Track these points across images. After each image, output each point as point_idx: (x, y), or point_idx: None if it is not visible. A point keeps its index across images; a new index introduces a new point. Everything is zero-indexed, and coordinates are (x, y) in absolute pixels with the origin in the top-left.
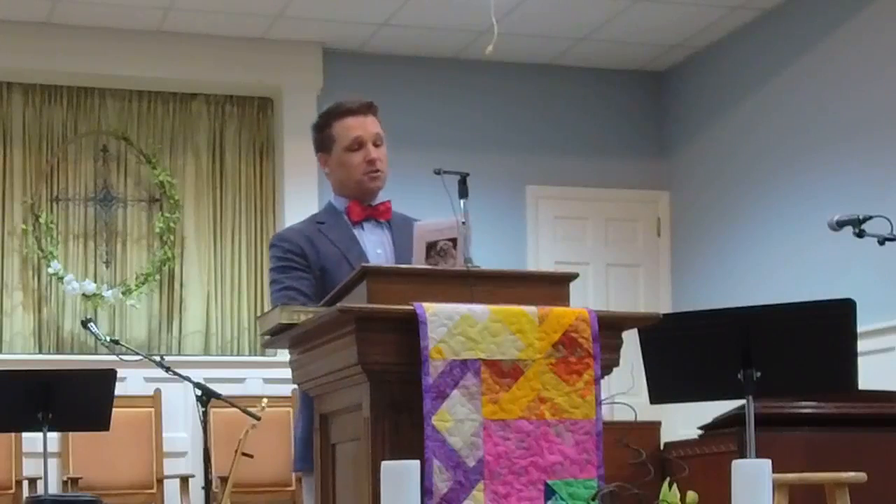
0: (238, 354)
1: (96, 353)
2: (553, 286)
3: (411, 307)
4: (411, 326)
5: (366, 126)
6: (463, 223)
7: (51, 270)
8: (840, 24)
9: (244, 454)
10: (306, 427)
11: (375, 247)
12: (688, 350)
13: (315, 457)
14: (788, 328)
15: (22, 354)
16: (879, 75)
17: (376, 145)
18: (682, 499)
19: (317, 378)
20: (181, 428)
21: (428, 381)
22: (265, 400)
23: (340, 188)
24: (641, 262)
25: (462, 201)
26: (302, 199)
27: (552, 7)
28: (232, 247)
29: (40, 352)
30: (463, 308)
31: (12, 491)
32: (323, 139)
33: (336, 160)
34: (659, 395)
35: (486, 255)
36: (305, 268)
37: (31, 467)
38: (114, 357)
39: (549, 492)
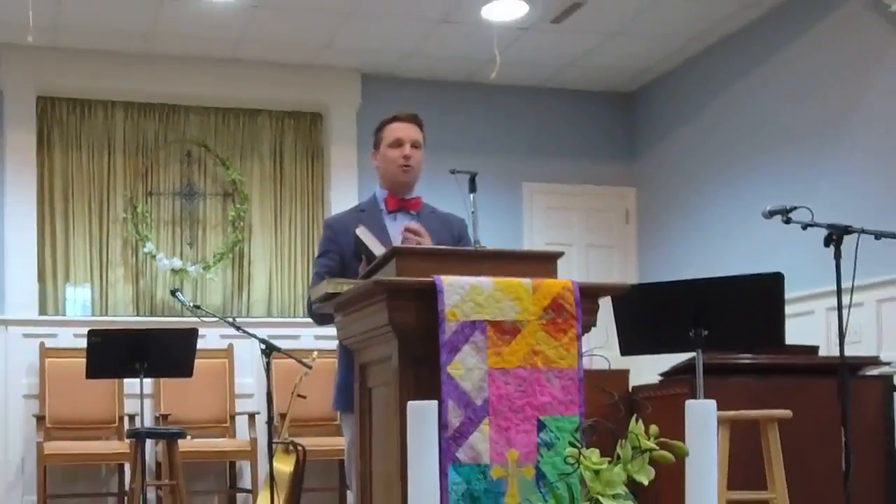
0: (294, 316)
1: (182, 316)
2: (544, 263)
3: (431, 279)
4: (431, 295)
5: (407, 131)
6: (472, 212)
7: (146, 250)
8: (776, 52)
9: (299, 395)
10: (343, 375)
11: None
12: (650, 313)
13: (355, 398)
14: (730, 295)
15: (123, 317)
16: (808, 94)
17: (414, 147)
18: (647, 431)
19: (356, 335)
20: (249, 375)
21: (444, 338)
22: (315, 352)
23: (382, 178)
24: (614, 244)
25: (472, 195)
26: (344, 193)
27: (543, 41)
28: (289, 231)
29: (137, 315)
30: (472, 280)
31: (115, 424)
32: (376, 139)
33: (381, 155)
34: (628, 348)
35: (490, 238)
36: (336, 252)
37: (130, 406)
38: (196, 319)
39: (541, 426)
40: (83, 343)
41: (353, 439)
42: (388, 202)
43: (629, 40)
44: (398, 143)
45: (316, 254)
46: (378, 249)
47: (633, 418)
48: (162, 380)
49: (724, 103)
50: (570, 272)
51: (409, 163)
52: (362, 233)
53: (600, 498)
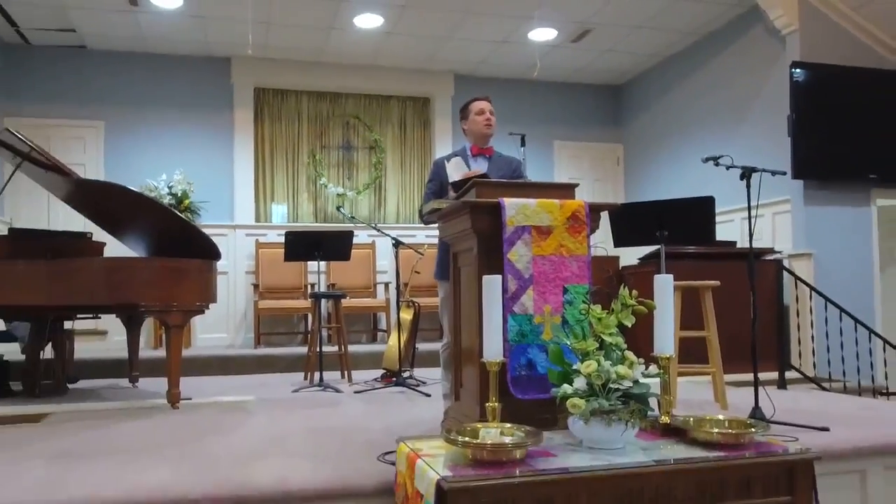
0: (413, 223)
1: (343, 223)
2: (567, 190)
3: (497, 201)
4: (497, 210)
5: (487, 104)
6: (522, 160)
7: (321, 182)
8: (709, 61)
9: (415, 272)
10: (441, 257)
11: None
12: (632, 221)
13: (450, 274)
14: (681, 210)
15: (307, 223)
16: (729, 87)
17: (491, 114)
18: (630, 294)
19: (451, 234)
20: (385, 259)
21: (505, 237)
22: (426, 245)
23: (470, 134)
24: (609, 179)
25: (522, 148)
26: (442, 147)
27: (566, 53)
28: (409, 171)
29: (315, 222)
30: (522, 200)
31: (302, 290)
32: (465, 112)
33: (471, 120)
34: (619, 242)
35: (534, 174)
36: (438, 180)
37: (311, 278)
38: (352, 225)
39: (565, 290)
40: (282, 239)
41: (444, 296)
42: (473, 149)
43: (619, 54)
44: (482, 111)
45: (426, 181)
46: (454, 175)
47: (622, 286)
48: (332, 262)
49: (678, 93)
50: (582, 196)
51: (489, 122)
52: (452, 162)
53: (601, 334)
